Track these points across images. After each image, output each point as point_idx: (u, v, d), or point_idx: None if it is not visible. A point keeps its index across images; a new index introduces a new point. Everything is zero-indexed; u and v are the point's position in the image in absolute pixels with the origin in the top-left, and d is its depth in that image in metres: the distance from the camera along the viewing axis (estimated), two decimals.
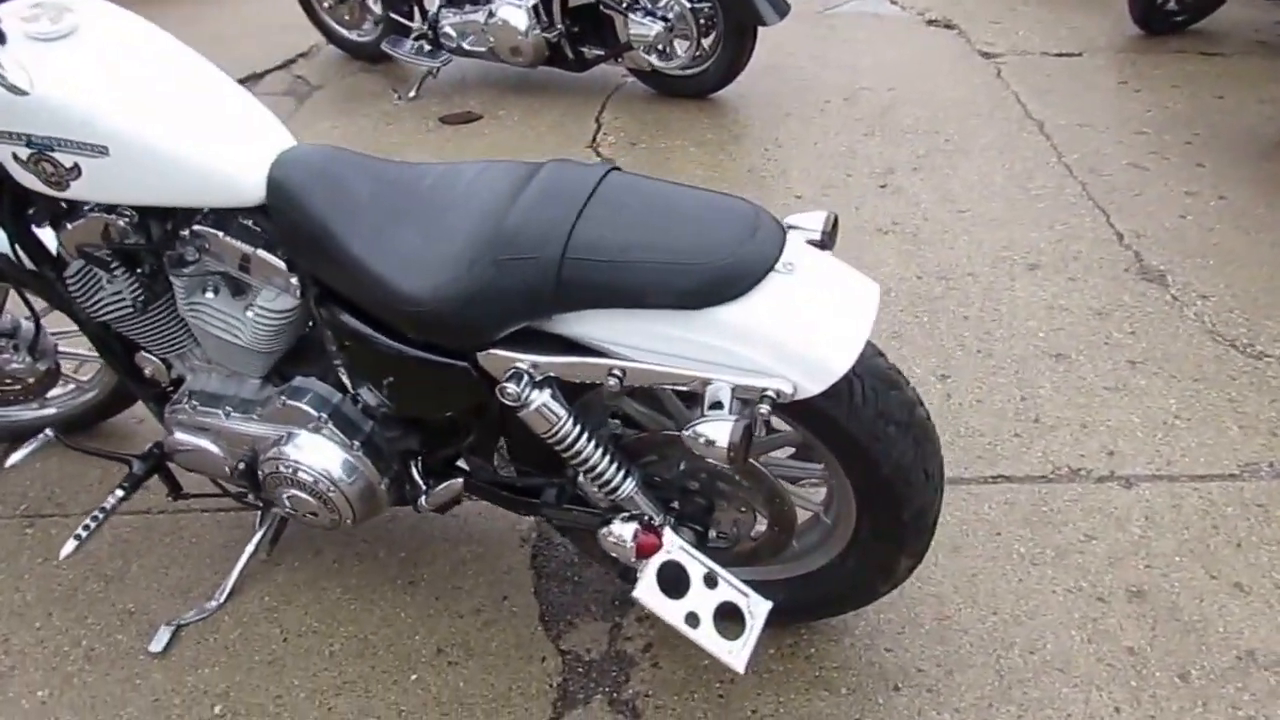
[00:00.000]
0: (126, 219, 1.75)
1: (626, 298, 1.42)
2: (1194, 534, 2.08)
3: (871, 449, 1.53)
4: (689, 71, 4.18)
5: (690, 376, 1.45)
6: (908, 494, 1.58)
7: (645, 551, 1.56)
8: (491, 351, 1.52)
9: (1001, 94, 4.17)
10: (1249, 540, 2.06)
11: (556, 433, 1.55)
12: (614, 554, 1.63)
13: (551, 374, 1.52)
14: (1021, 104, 4.06)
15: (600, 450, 1.60)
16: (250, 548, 2.04)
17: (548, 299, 1.44)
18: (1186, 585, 1.98)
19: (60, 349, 2.27)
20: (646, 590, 1.53)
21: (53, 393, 2.37)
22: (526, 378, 1.51)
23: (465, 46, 4.34)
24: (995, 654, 1.86)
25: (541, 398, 1.51)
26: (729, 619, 1.57)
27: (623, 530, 1.60)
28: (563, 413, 1.53)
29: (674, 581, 1.58)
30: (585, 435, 1.57)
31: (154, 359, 1.91)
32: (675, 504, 1.72)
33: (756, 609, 1.59)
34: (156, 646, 1.91)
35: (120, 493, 1.95)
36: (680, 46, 4.11)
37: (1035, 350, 2.64)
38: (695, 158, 3.76)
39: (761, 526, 1.75)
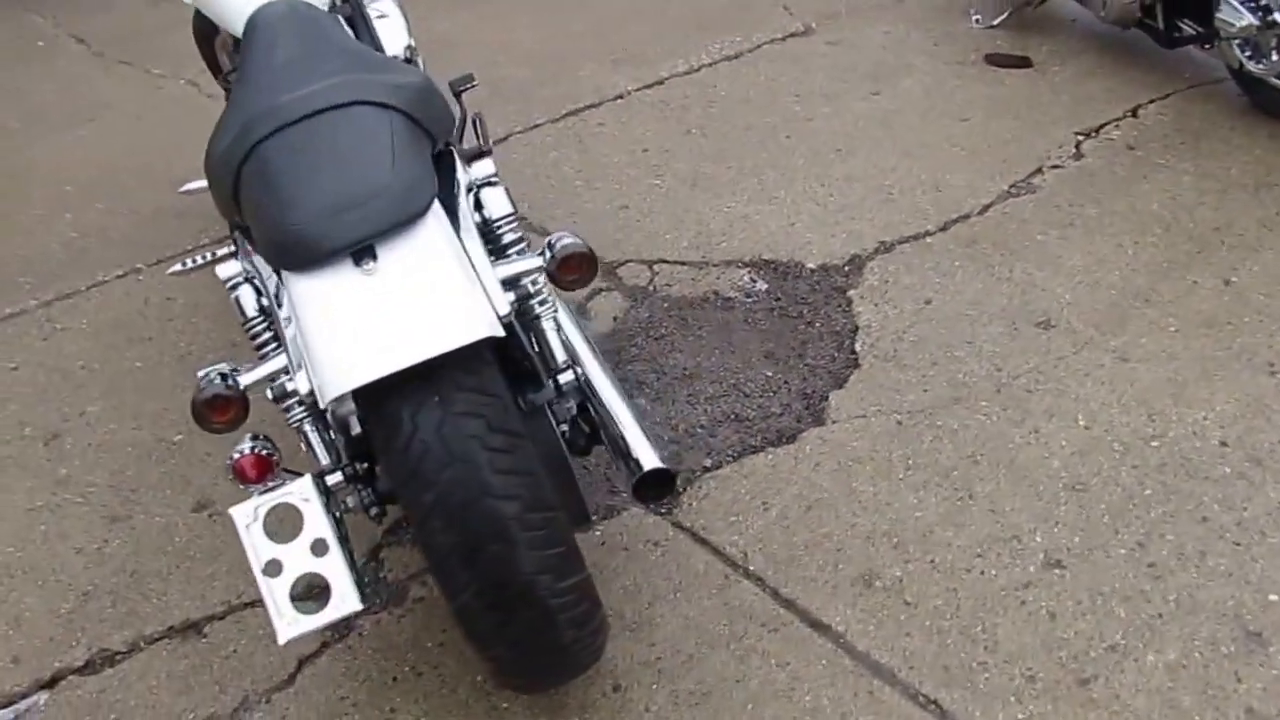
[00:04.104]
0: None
1: (252, 233, 1.41)
2: None
3: (406, 506, 1.34)
4: None
5: (287, 336, 1.40)
6: (446, 581, 1.36)
7: (237, 473, 1.54)
8: (238, 231, 1.61)
9: None
10: None
11: (249, 329, 1.58)
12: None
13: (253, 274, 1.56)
14: None
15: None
16: None
17: (232, 207, 1.49)
18: None
19: None
20: (242, 515, 1.51)
21: None
22: (239, 267, 1.57)
23: None
24: None
25: (239, 291, 1.56)
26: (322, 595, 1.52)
27: (240, 445, 1.53)
28: (249, 313, 1.56)
29: (290, 529, 1.56)
30: (276, 345, 1.57)
31: None
32: (363, 464, 1.66)
33: (344, 601, 1.50)
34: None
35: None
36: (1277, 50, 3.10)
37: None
38: (1160, 187, 2.91)
39: None
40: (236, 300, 1.57)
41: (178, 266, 2.38)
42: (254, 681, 1.74)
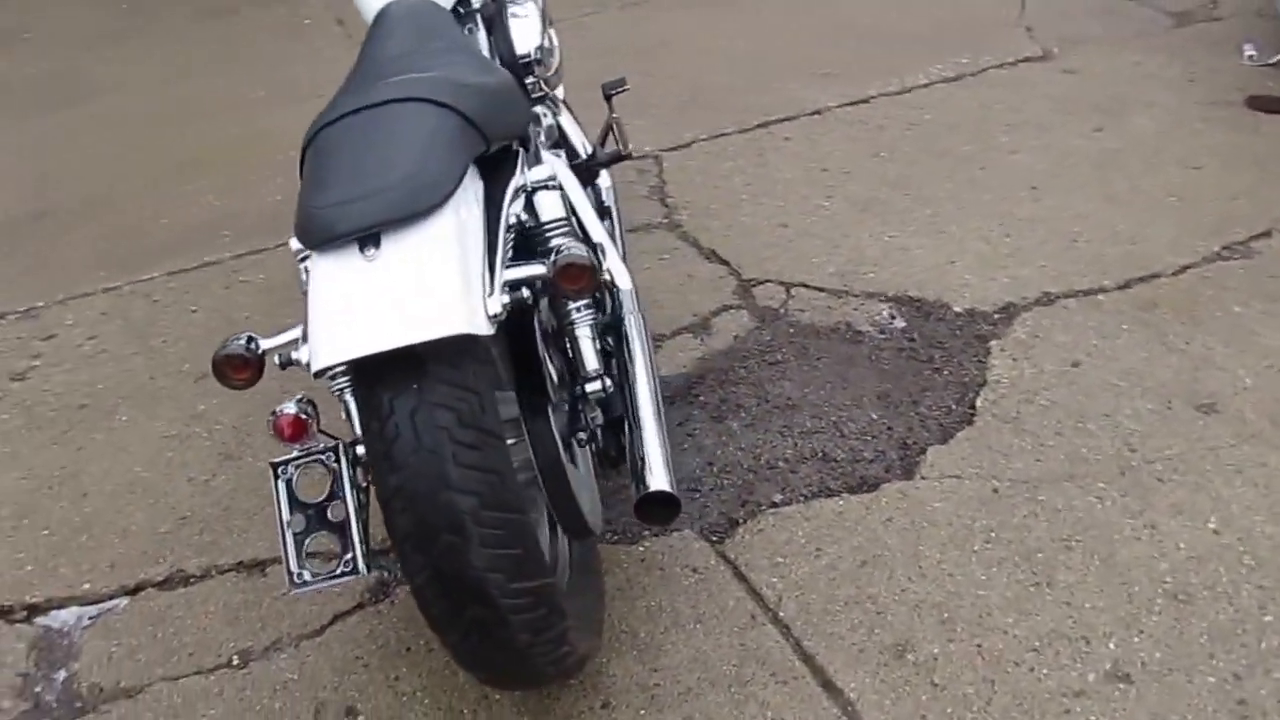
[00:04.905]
0: None
1: None
2: None
3: (376, 487, 1.39)
4: None
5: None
6: (403, 563, 1.40)
7: (276, 430, 1.59)
8: None
9: None
10: None
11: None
12: None
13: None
14: None
15: None
16: None
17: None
18: None
19: None
20: (277, 467, 1.61)
21: None
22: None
23: None
24: None
25: (306, 263, 1.66)
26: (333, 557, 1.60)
27: (284, 405, 1.53)
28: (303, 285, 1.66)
29: (317, 490, 1.65)
30: None
31: None
32: None
33: (348, 566, 1.55)
34: None
35: None
36: None
37: None
38: None
39: None
40: (303, 270, 1.68)
41: None
42: (291, 626, 1.87)
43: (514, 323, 1.60)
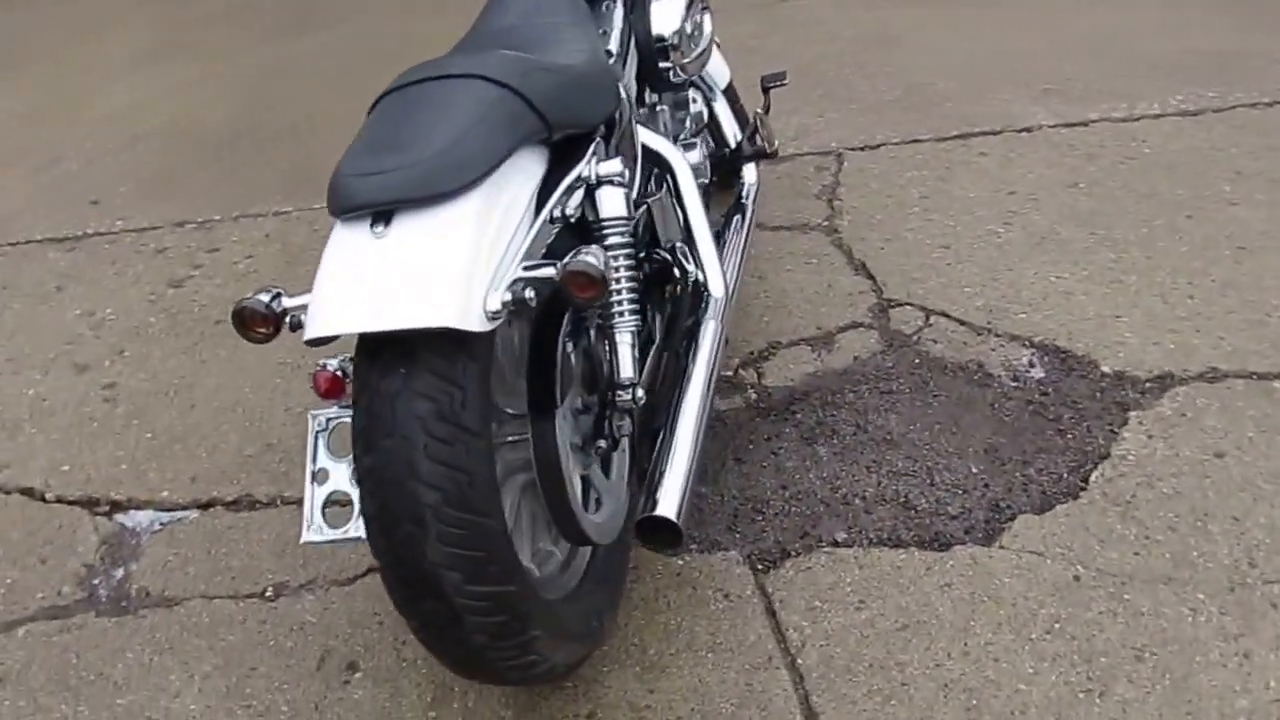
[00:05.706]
0: None
1: None
2: None
3: (353, 463, 1.40)
4: None
5: None
6: (370, 543, 1.40)
7: (315, 384, 1.61)
8: None
9: None
10: None
11: None
12: None
13: None
14: None
15: None
16: None
17: None
18: None
19: None
20: (315, 420, 1.63)
21: None
22: None
23: None
24: None
25: None
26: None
27: (327, 361, 1.53)
28: None
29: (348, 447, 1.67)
30: None
31: None
32: None
33: (357, 527, 1.56)
34: None
35: None
36: None
37: None
38: None
39: None
40: None
41: None
42: (328, 570, 1.93)
43: (545, 317, 1.56)
